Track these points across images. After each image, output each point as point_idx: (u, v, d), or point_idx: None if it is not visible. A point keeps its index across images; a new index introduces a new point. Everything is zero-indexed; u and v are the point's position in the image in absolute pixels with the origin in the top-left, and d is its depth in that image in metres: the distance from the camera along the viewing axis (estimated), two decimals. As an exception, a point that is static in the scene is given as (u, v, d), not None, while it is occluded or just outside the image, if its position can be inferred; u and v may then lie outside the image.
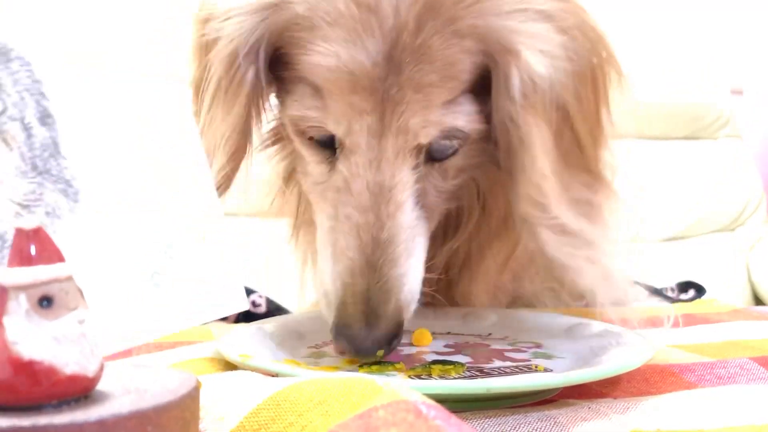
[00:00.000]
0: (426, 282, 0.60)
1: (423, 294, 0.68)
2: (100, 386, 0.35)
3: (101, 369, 0.34)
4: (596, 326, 0.64)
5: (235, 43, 0.56)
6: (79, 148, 0.50)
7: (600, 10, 0.59)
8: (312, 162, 0.60)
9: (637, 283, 1.10)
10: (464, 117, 0.56)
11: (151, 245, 0.51)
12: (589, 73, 0.57)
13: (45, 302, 0.33)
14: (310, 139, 0.59)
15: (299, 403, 0.38)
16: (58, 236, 0.46)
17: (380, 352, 0.55)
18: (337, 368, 0.55)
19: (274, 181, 0.73)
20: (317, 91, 0.55)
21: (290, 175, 0.70)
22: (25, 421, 0.30)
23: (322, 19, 0.53)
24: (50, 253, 0.34)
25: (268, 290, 1.02)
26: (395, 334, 0.55)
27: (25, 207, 0.46)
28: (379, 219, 0.55)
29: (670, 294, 1.12)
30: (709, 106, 1.79)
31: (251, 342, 0.58)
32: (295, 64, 0.56)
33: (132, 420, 0.31)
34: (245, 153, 0.62)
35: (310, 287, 0.85)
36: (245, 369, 0.52)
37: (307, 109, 0.56)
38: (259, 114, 0.63)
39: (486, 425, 0.45)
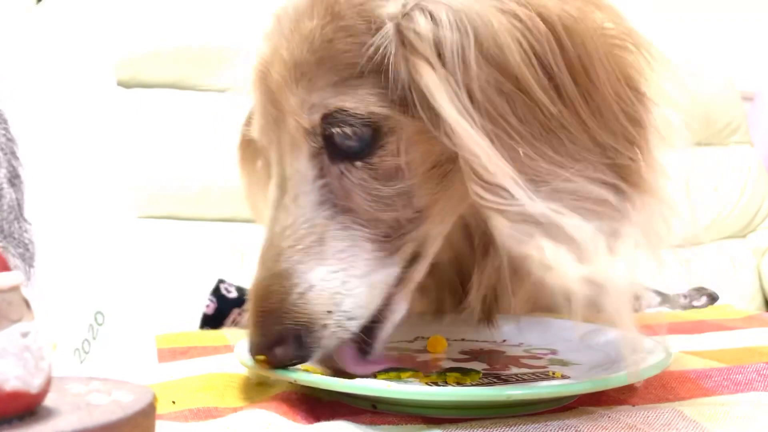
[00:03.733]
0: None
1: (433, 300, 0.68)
2: (49, 402, 0.33)
3: (47, 384, 0.32)
4: (611, 333, 0.63)
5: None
6: (40, 212, 0.49)
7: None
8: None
9: (648, 289, 1.11)
10: (354, 99, 0.50)
11: (81, 313, 0.51)
12: (569, 37, 0.48)
13: None
14: None
15: None
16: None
17: (260, 357, 0.51)
18: (354, 376, 0.55)
19: None
20: None
21: None
22: None
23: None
24: None
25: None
26: (280, 340, 0.51)
27: None
28: (277, 212, 0.53)
29: (682, 300, 1.11)
30: (719, 113, 1.78)
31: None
32: None
33: None
34: None
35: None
36: (263, 374, 0.52)
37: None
38: None
39: (505, 433, 0.45)
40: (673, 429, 0.46)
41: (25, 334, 0.32)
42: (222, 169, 1.31)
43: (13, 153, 0.48)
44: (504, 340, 0.68)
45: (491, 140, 0.47)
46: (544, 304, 0.80)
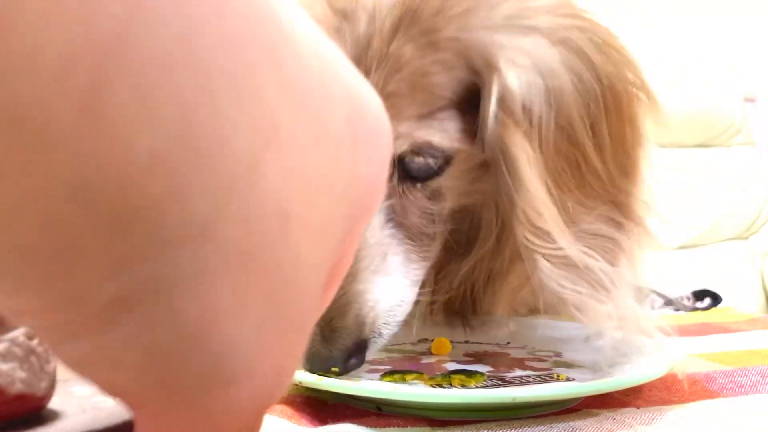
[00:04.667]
0: (444, 292, 0.60)
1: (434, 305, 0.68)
2: (54, 405, 0.33)
3: (53, 387, 0.32)
4: (615, 335, 0.63)
5: None
6: None
7: (612, 17, 0.58)
8: None
9: (651, 291, 1.11)
10: (440, 133, 0.53)
11: None
12: (611, 97, 0.53)
13: None
14: None
15: None
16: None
17: (335, 369, 0.53)
18: (358, 378, 0.55)
19: None
20: None
21: None
22: None
23: None
24: None
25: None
26: (353, 351, 0.53)
27: None
28: None
29: (685, 302, 1.11)
30: (722, 114, 1.78)
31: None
32: None
33: None
34: None
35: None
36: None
37: None
38: None
39: (511, 435, 0.45)
40: (677, 431, 0.46)
41: (30, 337, 0.32)
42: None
43: None
44: (508, 343, 0.68)
45: (549, 193, 0.52)
46: (534, 307, 0.80)
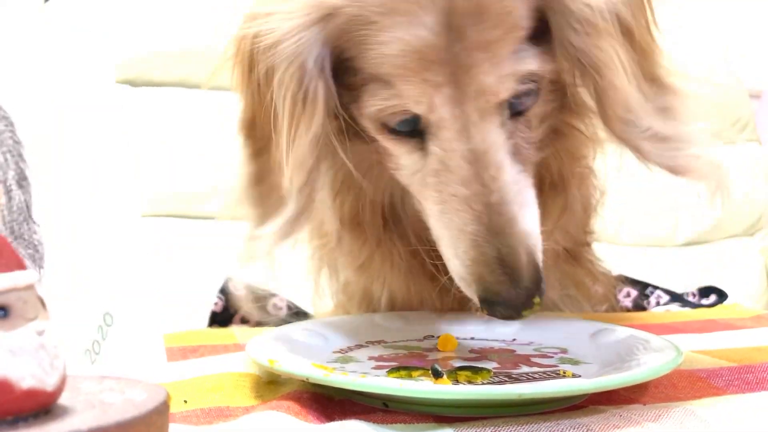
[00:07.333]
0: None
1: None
2: (63, 400, 0.33)
3: (62, 382, 0.33)
4: (621, 332, 0.64)
5: (300, 60, 0.56)
6: (47, 214, 0.50)
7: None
8: (403, 154, 0.60)
9: (657, 287, 1.11)
10: (534, 60, 0.56)
11: (90, 314, 0.51)
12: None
13: (1, 312, 0.31)
14: (394, 132, 0.59)
15: None
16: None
17: (536, 299, 0.55)
18: (364, 375, 0.55)
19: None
20: (389, 82, 0.56)
21: (341, 185, 0.70)
22: None
23: (374, 12, 0.54)
24: (8, 260, 0.32)
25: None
26: (537, 285, 0.55)
27: None
28: (485, 186, 0.55)
29: (691, 299, 1.11)
30: (727, 111, 1.78)
31: (278, 346, 0.59)
32: (360, 65, 0.57)
33: None
34: (319, 171, 0.62)
35: (326, 292, 0.86)
36: (275, 373, 0.52)
37: (385, 100, 0.57)
38: (338, 127, 0.62)
39: (518, 432, 0.45)
40: (684, 428, 0.46)
41: (40, 333, 0.32)
42: (229, 166, 1.32)
43: (20, 155, 0.49)
44: (514, 339, 0.68)
45: (633, 85, 0.57)
46: (548, 308, 0.80)
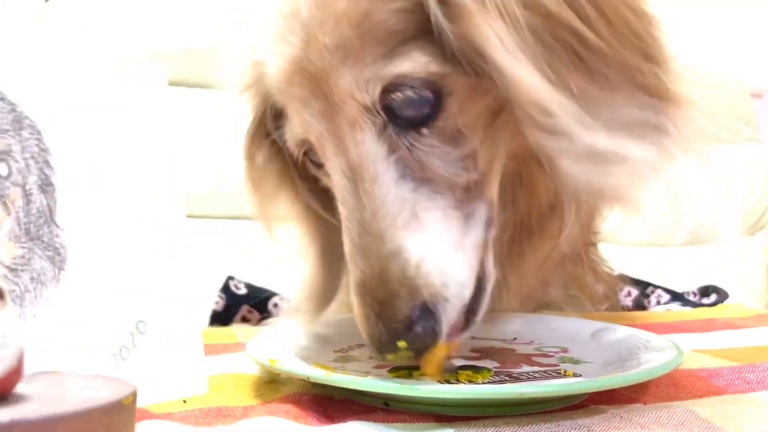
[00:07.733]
0: None
1: None
2: (24, 390, 0.34)
3: (16, 372, 0.33)
4: (622, 331, 0.64)
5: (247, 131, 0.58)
6: (74, 218, 0.50)
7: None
8: (326, 181, 0.58)
9: (657, 287, 1.11)
10: (409, 62, 0.49)
11: (120, 321, 0.52)
12: None
13: None
14: (314, 164, 0.58)
15: None
16: (42, 301, 0.47)
17: (401, 344, 0.49)
18: (366, 374, 0.55)
19: None
20: (286, 113, 0.56)
21: None
22: None
23: (267, 53, 0.54)
24: None
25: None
26: (416, 318, 0.48)
27: (12, 270, 0.47)
28: (358, 200, 0.50)
29: (691, 298, 1.11)
30: (729, 110, 1.78)
31: (278, 346, 0.59)
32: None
33: (40, 426, 0.30)
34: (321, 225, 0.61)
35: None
36: (275, 372, 0.52)
37: (291, 134, 0.56)
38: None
39: (518, 432, 0.45)
40: (685, 428, 0.46)
41: None
42: (231, 166, 1.32)
43: (47, 162, 0.50)
44: (515, 338, 0.68)
45: (547, 82, 0.47)
46: (543, 302, 0.80)
